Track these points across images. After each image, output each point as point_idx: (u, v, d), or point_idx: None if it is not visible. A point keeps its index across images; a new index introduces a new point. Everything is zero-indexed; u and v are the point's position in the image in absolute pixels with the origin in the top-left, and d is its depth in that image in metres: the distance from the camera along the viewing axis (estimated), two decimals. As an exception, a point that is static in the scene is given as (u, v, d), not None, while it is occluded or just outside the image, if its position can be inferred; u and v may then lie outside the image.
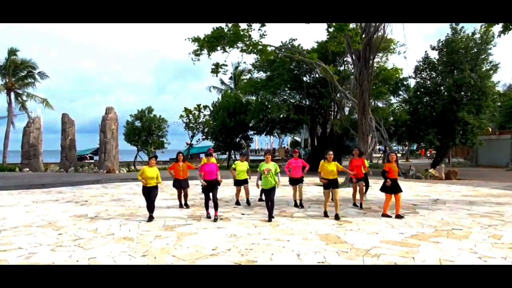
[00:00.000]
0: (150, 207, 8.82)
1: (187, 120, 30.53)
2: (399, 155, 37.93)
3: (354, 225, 8.21)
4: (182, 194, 10.53)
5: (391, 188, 8.96)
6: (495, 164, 30.25)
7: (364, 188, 10.84)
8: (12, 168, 26.09)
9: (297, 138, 55.42)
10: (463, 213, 9.73)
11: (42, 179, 18.40)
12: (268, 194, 8.79)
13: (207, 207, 9.04)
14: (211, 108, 31.87)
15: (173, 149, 34.49)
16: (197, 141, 31.85)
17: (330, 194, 9.16)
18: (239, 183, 10.87)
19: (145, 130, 28.98)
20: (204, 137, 31.54)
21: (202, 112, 30.97)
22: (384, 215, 9.13)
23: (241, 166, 10.93)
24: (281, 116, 26.95)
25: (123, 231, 7.66)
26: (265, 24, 15.67)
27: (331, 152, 9.12)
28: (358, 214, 9.65)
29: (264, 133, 31.14)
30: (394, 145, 39.61)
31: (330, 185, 9.03)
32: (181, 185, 10.39)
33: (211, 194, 8.88)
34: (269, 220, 8.61)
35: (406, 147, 51.35)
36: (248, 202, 10.95)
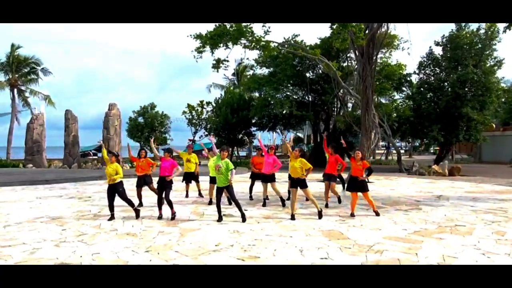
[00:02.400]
0: (113, 205, 8.44)
1: (190, 117, 30.56)
2: (402, 151, 37.73)
3: (357, 221, 8.20)
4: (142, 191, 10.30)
5: (355, 187, 8.76)
6: (499, 160, 30.17)
7: (336, 187, 10.28)
8: (15, 164, 26.20)
9: (300, 134, 55.41)
10: (466, 209, 9.71)
11: (45, 175, 18.47)
12: (219, 193, 8.25)
13: (159, 205, 8.60)
14: (214, 105, 31.88)
15: (176, 145, 34.59)
16: (200, 137, 31.91)
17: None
18: (212, 180, 10.04)
19: (148, 127, 29.06)
20: (206, 133, 31.58)
21: (205, 108, 31.01)
22: (352, 214, 8.79)
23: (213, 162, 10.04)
24: (284, 112, 26.94)
25: (126, 227, 7.69)
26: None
27: (296, 149, 8.57)
28: (361, 210, 9.62)
29: (267, 129, 31.15)
30: (397, 141, 39.52)
31: (294, 184, 8.36)
32: (142, 182, 10.17)
33: (164, 193, 8.50)
34: (219, 220, 8.17)
35: (410, 144, 51.22)
36: (210, 202, 10.37)
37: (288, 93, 28.81)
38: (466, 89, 23.28)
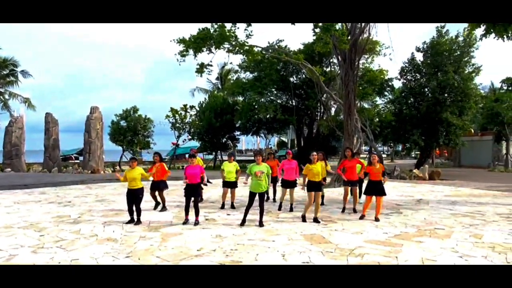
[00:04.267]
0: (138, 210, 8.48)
1: (173, 120, 30.33)
2: (384, 155, 38.27)
3: (339, 225, 8.26)
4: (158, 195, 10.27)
5: (375, 191, 8.83)
6: (477, 165, 30.85)
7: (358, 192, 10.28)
8: (-7, 168, 25.54)
9: (284, 139, 55.63)
10: (445, 212, 9.89)
11: (24, 180, 18.06)
12: (260, 199, 8.18)
13: (186, 211, 8.45)
14: (198, 109, 31.74)
15: (159, 149, 34.27)
16: (183, 141, 31.67)
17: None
18: (226, 184, 10.40)
19: (131, 130, 28.66)
20: (190, 137, 31.38)
21: (188, 112, 30.81)
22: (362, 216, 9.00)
23: (229, 167, 10.40)
24: (268, 116, 27.05)
25: (107, 232, 7.57)
26: (251, 24, 15.66)
27: (314, 153, 8.70)
28: (343, 214, 9.72)
29: (251, 133, 31.18)
30: (380, 145, 40.03)
31: (313, 187, 8.51)
32: (156, 187, 10.13)
33: (192, 199, 8.38)
34: (261, 225, 8.08)
35: (391, 148, 51.97)
36: (232, 205, 10.53)
37: (272, 97, 28.95)
38: (446, 94, 23.82)
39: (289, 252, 6.19)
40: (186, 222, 8.38)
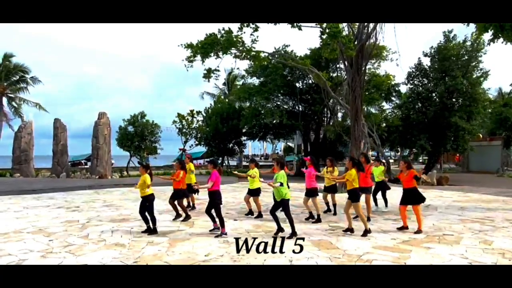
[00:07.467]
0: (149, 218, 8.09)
1: (180, 126, 30.48)
2: (391, 161, 38.02)
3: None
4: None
5: (409, 200, 8.25)
6: (486, 170, 30.54)
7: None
8: (2, 173, 25.78)
9: (290, 144, 55.57)
10: (454, 218, 9.81)
11: (33, 185, 18.20)
12: (282, 207, 7.72)
13: (222, 222, 7.82)
14: (204, 114, 31.88)
15: (166, 155, 34.43)
16: (190, 147, 31.79)
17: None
18: (248, 191, 9.93)
19: (138, 136, 28.82)
20: (197, 142, 31.51)
21: (195, 117, 30.96)
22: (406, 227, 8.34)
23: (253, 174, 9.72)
24: (274, 121, 27.05)
25: (115, 237, 7.61)
26: (258, 29, 15.72)
27: (348, 159, 8.22)
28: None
29: (257, 138, 31.18)
30: (387, 150, 39.87)
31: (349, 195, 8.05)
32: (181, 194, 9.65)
33: (216, 209, 7.85)
34: (292, 235, 7.56)
35: (399, 153, 51.64)
36: (260, 214, 9.80)
37: (279, 102, 28.96)
38: (454, 99, 23.66)
39: (297, 257, 6.17)
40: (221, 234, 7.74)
